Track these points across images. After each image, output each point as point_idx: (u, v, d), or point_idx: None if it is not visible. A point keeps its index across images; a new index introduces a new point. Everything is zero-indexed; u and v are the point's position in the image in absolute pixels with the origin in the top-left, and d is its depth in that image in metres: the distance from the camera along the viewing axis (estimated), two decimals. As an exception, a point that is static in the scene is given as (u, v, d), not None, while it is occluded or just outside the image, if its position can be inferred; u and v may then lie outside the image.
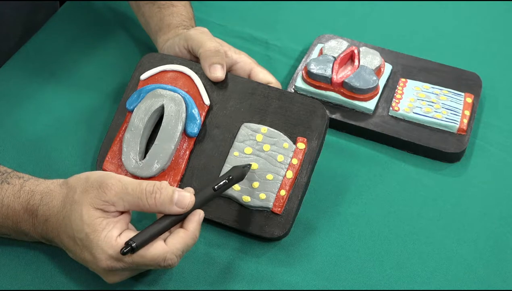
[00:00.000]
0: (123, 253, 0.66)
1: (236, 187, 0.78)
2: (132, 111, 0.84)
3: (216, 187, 0.73)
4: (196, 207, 0.71)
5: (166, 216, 0.69)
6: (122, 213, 0.70)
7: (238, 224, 0.78)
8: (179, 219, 0.70)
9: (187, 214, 0.70)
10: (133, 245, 0.66)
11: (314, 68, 0.92)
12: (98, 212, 0.68)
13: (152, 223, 0.69)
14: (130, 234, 0.68)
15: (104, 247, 0.67)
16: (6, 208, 0.72)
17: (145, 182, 0.69)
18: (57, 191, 0.71)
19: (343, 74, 0.92)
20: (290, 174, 0.79)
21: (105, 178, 0.69)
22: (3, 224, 0.73)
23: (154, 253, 0.67)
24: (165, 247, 0.68)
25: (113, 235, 0.68)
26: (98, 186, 0.69)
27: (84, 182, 0.70)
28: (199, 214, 0.71)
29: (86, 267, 0.71)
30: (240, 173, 0.76)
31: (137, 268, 0.70)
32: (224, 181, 0.73)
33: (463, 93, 0.93)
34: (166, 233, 0.70)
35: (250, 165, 0.78)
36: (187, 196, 0.69)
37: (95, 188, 0.69)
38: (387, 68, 0.96)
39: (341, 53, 0.94)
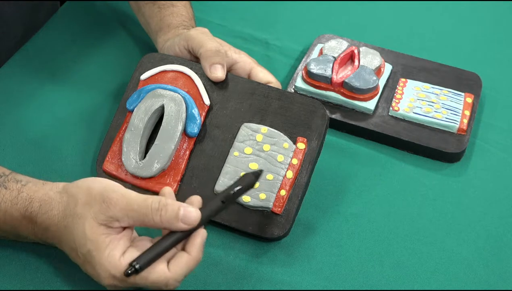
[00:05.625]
0: (127, 274, 0.65)
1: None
2: (132, 111, 0.84)
3: (223, 199, 0.71)
4: (203, 221, 0.69)
5: (171, 233, 0.68)
6: (125, 228, 0.68)
7: (238, 224, 0.78)
8: (185, 236, 0.68)
9: (192, 229, 0.68)
10: (136, 266, 0.65)
11: (314, 68, 0.92)
12: (102, 228, 0.67)
13: (157, 241, 0.68)
14: (134, 252, 0.67)
15: (107, 266, 0.66)
16: (3, 213, 0.71)
17: (150, 198, 0.67)
18: (56, 199, 0.70)
19: (343, 74, 0.92)
20: (290, 174, 0.79)
21: (108, 191, 0.67)
22: (1, 228, 0.72)
23: (157, 277, 0.66)
24: (167, 273, 0.66)
25: (116, 254, 0.66)
26: (101, 200, 0.67)
27: (86, 193, 0.68)
28: (201, 236, 0.69)
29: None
30: (251, 181, 0.73)
31: (139, 287, 0.69)
32: (233, 192, 0.71)
33: (463, 93, 0.93)
34: (171, 251, 0.68)
35: (261, 170, 0.75)
36: (193, 212, 0.67)
37: (98, 202, 0.67)
38: (387, 68, 0.96)
39: (341, 53, 0.94)
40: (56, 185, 0.72)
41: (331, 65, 0.92)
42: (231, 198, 0.71)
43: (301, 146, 0.81)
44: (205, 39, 0.86)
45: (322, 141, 0.81)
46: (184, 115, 0.82)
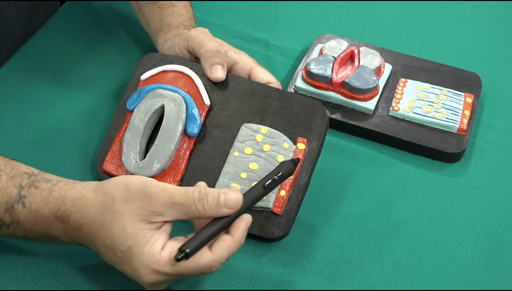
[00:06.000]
0: (177, 259, 0.64)
1: (237, 187, 0.78)
2: (132, 111, 0.84)
3: (266, 184, 0.71)
4: (246, 206, 0.69)
5: (216, 219, 0.67)
6: (165, 222, 0.68)
7: (238, 224, 0.78)
8: (230, 221, 0.68)
9: (236, 215, 0.68)
10: (187, 251, 0.64)
11: (314, 68, 0.92)
12: (143, 223, 0.66)
13: (201, 228, 0.67)
14: (174, 244, 0.66)
15: (147, 262, 0.65)
16: (35, 213, 0.69)
17: (191, 189, 0.67)
18: (91, 197, 0.68)
19: (343, 74, 0.92)
20: (290, 174, 0.79)
21: (148, 186, 0.66)
22: (32, 229, 0.70)
23: (202, 262, 0.66)
24: (210, 256, 0.66)
25: (156, 248, 0.65)
26: (142, 195, 0.66)
27: (123, 190, 0.67)
28: (246, 221, 0.68)
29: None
30: (290, 168, 0.74)
31: (180, 277, 0.69)
32: (273, 177, 0.72)
33: (463, 93, 0.93)
34: None
35: (299, 159, 0.76)
36: (233, 195, 0.67)
37: (138, 198, 0.66)
38: (387, 68, 0.96)
39: (341, 53, 0.94)
40: (88, 183, 0.70)
41: (331, 65, 0.92)
42: (272, 184, 0.72)
43: (301, 146, 0.81)
44: (205, 39, 0.86)
45: (322, 141, 0.81)
46: (184, 115, 0.82)
